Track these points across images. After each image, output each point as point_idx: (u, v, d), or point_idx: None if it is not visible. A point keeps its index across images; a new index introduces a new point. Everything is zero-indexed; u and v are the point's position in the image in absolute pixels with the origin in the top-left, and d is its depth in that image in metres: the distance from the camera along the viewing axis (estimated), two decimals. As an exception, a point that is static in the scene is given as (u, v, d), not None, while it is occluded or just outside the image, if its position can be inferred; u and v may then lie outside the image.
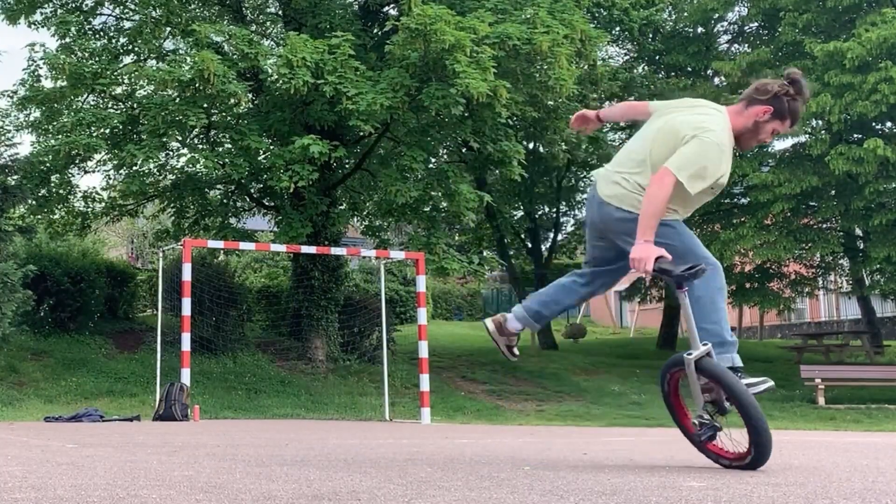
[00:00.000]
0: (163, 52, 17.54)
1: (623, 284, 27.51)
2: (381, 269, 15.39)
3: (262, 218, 20.45)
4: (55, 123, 16.54)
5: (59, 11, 17.79)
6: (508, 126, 17.43)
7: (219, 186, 19.23)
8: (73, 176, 18.10)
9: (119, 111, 16.98)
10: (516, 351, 4.45)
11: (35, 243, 18.15)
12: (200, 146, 17.61)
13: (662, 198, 3.74)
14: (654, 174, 3.83)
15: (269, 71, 16.06)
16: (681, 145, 3.83)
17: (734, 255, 19.98)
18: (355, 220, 21.36)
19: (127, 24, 18.38)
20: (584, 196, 27.30)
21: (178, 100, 15.67)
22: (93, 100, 17.28)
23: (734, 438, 3.80)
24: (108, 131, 16.62)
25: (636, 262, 3.72)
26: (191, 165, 17.85)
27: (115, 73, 16.78)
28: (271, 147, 16.99)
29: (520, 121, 18.52)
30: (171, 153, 17.81)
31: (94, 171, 19.15)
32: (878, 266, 19.23)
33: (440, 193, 17.17)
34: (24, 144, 69.64)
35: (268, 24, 20.69)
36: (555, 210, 26.10)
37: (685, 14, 22.89)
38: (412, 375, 16.20)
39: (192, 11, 18.28)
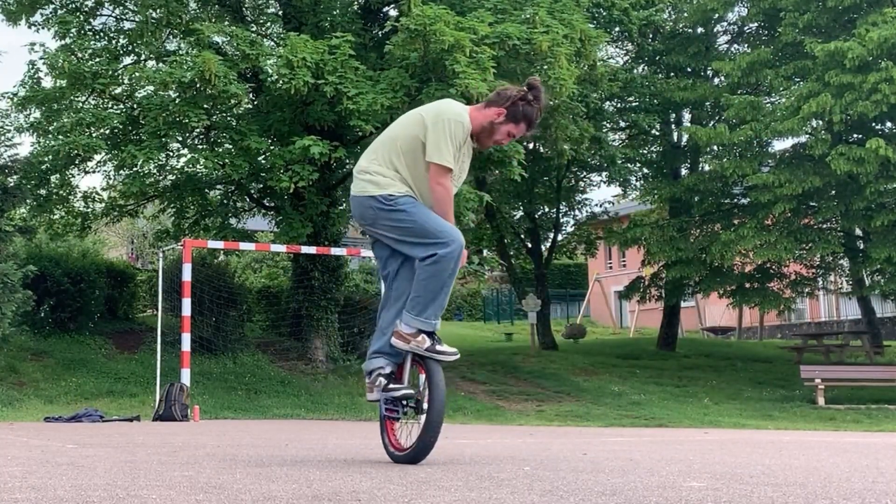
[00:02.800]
0: (163, 53, 17.53)
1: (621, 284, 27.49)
2: (382, 270, 15.34)
3: (262, 218, 20.43)
4: (55, 124, 16.52)
5: (60, 12, 17.78)
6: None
7: (219, 187, 19.21)
8: (73, 176, 18.09)
9: (119, 111, 16.96)
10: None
11: (35, 244, 18.15)
12: (200, 146, 17.59)
13: (448, 194, 3.95)
14: (430, 177, 3.94)
15: (270, 71, 16.04)
16: (426, 130, 3.95)
17: (735, 256, 19.97)
18: (355, 220, 21.32)
19: (127, 25, 18.37)
20: (585, 196, 27.34)
21: (178, 100, 15.66)
22: (93, 100, 17.27)
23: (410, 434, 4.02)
24: (108, 132, 16.60)
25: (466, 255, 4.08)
26: (191, 166, 17.82)
27: (116, 74, 16.77)
28: (271, 147, 16.97)
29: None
30: (171, 153, 17.79)
31: (94, 172, 19.15)
32: (879, 266, 19.21)
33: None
34: (24, 145, 69.64)
35: (268, 24, 20.69)
36: (555, 210, 26.09)
37: (685, 14, 22.87)
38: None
39: (193, 12, 18.26)
